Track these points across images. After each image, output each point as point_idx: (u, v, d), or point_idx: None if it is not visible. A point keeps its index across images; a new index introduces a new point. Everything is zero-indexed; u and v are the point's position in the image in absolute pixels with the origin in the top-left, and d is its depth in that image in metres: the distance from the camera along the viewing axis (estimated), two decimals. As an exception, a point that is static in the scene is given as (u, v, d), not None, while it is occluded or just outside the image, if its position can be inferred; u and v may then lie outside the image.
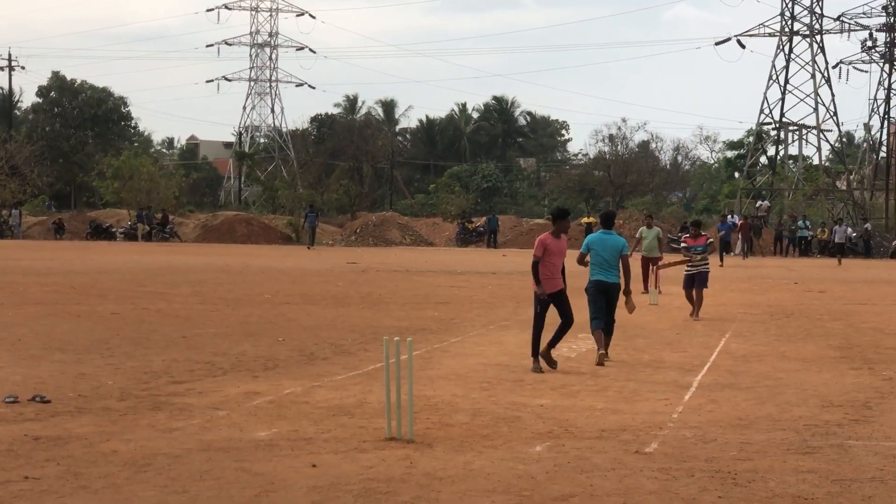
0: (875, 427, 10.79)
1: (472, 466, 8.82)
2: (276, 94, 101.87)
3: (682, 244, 22.77)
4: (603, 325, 15.33)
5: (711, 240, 22.94)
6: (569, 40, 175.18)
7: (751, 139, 77.07)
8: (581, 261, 15.83)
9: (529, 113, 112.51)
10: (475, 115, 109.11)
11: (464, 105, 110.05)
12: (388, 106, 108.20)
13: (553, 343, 14.57)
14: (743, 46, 71.92)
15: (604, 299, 15.35)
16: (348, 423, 10.47)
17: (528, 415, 11.14)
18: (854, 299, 27.58)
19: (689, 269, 22.32)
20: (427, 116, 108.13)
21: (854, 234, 59.38)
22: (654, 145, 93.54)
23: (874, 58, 75.49)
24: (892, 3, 73.80)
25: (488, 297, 25.73)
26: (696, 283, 22.09)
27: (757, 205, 67.66)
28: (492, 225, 62.74)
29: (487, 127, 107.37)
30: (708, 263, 22.43)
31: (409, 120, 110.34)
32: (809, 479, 8.55)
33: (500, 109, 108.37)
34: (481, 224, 64.78)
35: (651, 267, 27.14)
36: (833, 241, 54.61)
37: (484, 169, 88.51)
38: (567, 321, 14.46)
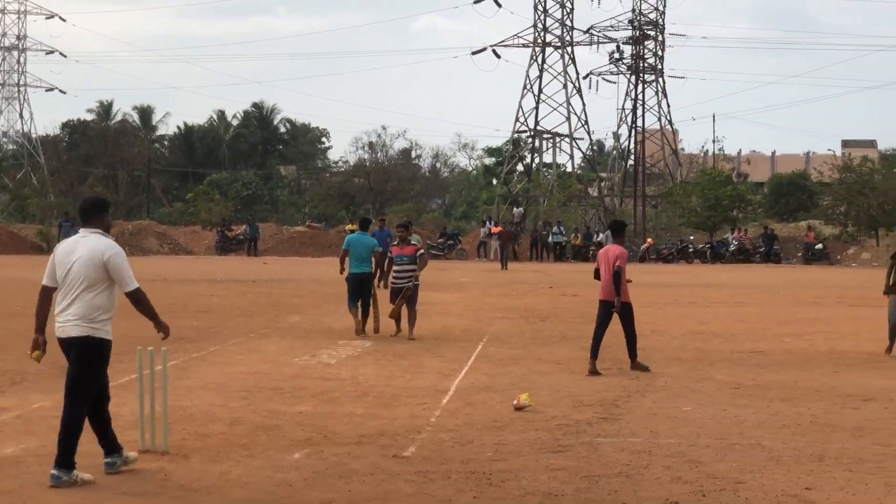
0: (622, 424, 11.23)
1: (229, 476, 8.74)
2: (24, 99, 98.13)
3: (389, 253, 19.90)
4: (357, 304, 19.32)
5: (422, 251, 19.60)
6: (326, 48, 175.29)
7: (508, 147, 78.84)
8: (343, 257, 19.69)
9: (289, 120, 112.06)
10: (235, 122, 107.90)
11: (222, 112, 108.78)
12: (145, 112, 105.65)
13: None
14: (498, 56, 73.50)
15: (359, 286, 19.30)
16: (101, 437, 10.19)
17: (287, 422, 11.11)
18: (605, 302, 28.49)
19: (395, 281, 19.41)
20: (185, 123, 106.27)
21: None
22: (413, 153, 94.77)
23: (621, 69, 78.50)
24: (638, 18, 76.88)
25: (248, 305, 25.49)
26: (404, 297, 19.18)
27: (514, 211, 69.29)
28: (252, 233, 62.14)
29: (247, 134, 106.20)
30: (417, 276, 19.26)
31: (167, 127, 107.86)
32: (560, 477, 8.83)
33: (259, 117, 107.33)
34: (241, 232, 64.07)
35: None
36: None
37: (244, 176, 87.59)
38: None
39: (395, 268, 19.53)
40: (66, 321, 8.55)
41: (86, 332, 8.52)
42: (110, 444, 8.81)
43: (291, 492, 8.28)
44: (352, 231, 56.37)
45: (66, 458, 8.37)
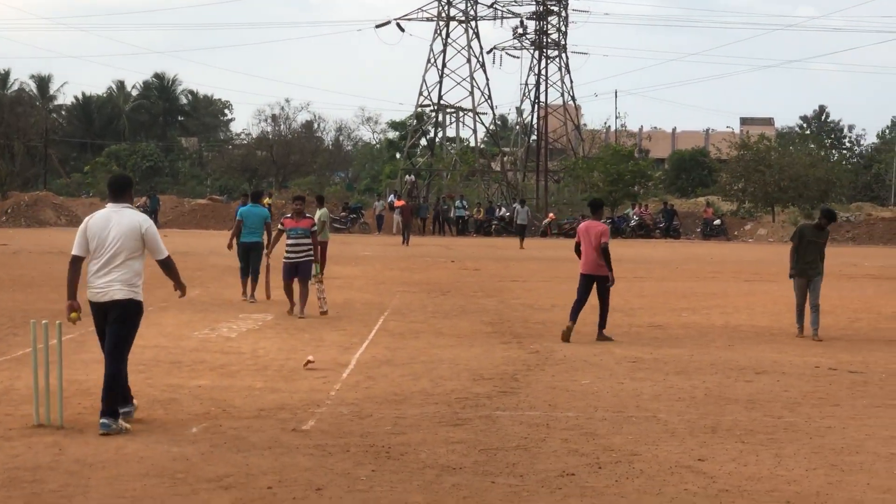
0: (521, 398, 11.32)
1: (125, 451, 8.64)
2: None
3: (280, 225, 19.12)
4: (248, 273, 20.78)
5: (315, 227, 19.07)
6: (227, 19, 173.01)
7: (412, 121, 78.73)
8: (238, 227, 20.80)
9: (191, 92, 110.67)
10: (135, 92, 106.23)
11: (122, 82, 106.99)
12: (42, 81, 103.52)
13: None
14: (402, 30, 73.18)
15: (247, 255, 20.76)
16: (-6, 412, 10.02)
17: (186, 396, 11.01)
18: (507, 276, 28.71)
19: (288, 256, 18.83)
20: (84, 93, 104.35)
21: (507, 214, 61.82)
22: (317, 126, 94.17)
23: (525, 45, 78.72)
24: (542, -7, 77.12)
25: (147, 277, 25.04)
26: (298, 273, 18.68)
27: (405, 178, 69.29)
28: (153, 205, 61.33)
29: (148, 105, 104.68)
30: (311, 252, 18.77)
31: (64, 97, 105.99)
32: (458, 450, 8.88)
33: (160, 87, 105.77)
34: (141, 204, 63.19)
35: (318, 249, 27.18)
36: (515, 223, 54.03)
37: (144, 148, 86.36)
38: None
39: (288, 241, 18.81)
40: (109, 286, 9.46)
41: (129, 294, 9.51)
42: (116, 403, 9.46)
43: (188, 465, 8.22)
44: (268, 204, 57.04)
45: (113, 408, 9.30)
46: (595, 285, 16.35)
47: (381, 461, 8.48)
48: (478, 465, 8.43)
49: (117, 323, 9.47)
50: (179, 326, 16.56)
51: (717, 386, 12.27)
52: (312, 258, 18.80)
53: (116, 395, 9.35)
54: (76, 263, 9.64)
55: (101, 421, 9.21)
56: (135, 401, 9.91)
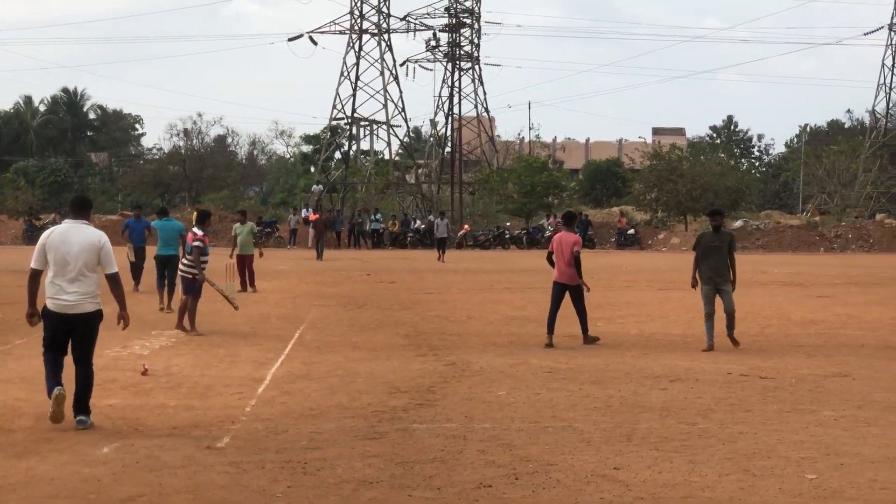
0: (437, 410, 11.31)
1: (35, 472, 8.48)
2: None
3: (196, 242, 18.42)
4: (164, 284, 21.53)
5: (198, 242, 18.26)
6: (135, 33, 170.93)
7: (325, 134, 78.49)
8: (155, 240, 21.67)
9: (101, 106, 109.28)
10: (43, 108, 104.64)
11: (29, 98, 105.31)
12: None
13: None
14: (315, 43, 72.98)
15: (164, 267, 21.50)
16: None
17: (97, 416, 10.79)
18: (422, 288, 28.72)
19: (184, 271, 18.51)
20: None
21: (422, 226, 61.90)
22: (230, 140, 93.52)
23: (438, 57, 78.97)
24: (454, 6, 77.46)
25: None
26: (184, 289, 18.39)
27: (313, 188, 69.04)
28: (62, 221, 60.56)
29: (56, 120, 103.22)
30: (195, 268, 18.26)
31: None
32: (375, 464, 8.84)
33: (69, 102, 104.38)
34: (51, 221, 62.27)
35: (244, 264, 27.11)
36: (435, 236, 52.82)
37: (53, 164, 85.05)
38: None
39: (187, 257, 18.54)
40: (76, 299, 10.15)
41: (96, 306, 10.31)
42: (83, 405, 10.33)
43: (99, 486, 8.08)
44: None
45: (87, 406, 10.26)
46: (568, 293, 17.05)
47: (298, 477, 8.42)
48: (395, 478, 8.40)
49: (89, 332, 10.32)
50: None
51: (631, 394, 12.37)
52: (193, 275, 18.28)
53: (89, 394, 10.29)
54: (36, 277, 10.32)
55: (79, 418, 10.12)
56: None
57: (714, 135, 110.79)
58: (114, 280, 10.40)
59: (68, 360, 10.43)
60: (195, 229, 18.61)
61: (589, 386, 12.96)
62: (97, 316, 10.36)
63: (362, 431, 10.14)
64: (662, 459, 9.06)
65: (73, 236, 10.24)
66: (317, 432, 10.09)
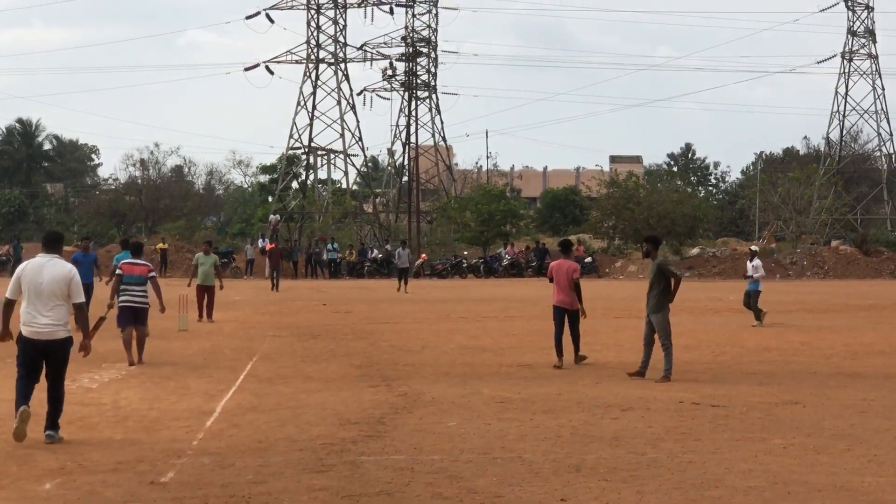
0: (387, 442, 11.22)
1: (-27, 511, 8.33)
2: None
3: (118, 271, 18.89)
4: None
5: (154, 273, 18.84)
6: (89, 63, 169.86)
7: (282, 164, 78.34)
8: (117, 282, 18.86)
9: (56, 136, 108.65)
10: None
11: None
12: None
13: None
14: (272, 73, 73.01)
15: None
16: None
17: (40, 451, 10.67)
18: (378, 318, 28.63)
19: (123, 301, 18.45)
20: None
21: (380, 256, 61.78)
22: (187, 170, 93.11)
23: (395, 86, 79.11)
24: (411, 35, 77.69)
25: (11, 328, 24.39)
26: (136, 319, 18.30)
27: (269, 218, 68.84)
28: (16, 253, 59.94)
29: (11, 151, 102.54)
30: (146, 296, 18.52)
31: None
32: (321, 497, 8.75)
33: (24, 133, 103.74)
34: (4, 252, 61.74)
35: (205, 295, 27.02)
36: (396, 266, 52.10)
37: (6, 195, 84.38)
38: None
39: (125, 286, 18.53)
40: (53, 328, 11.14)
41: (67, 333, 11.28)
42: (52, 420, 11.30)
43: (39, 524, 7.95)
44: (164, 249, 56.66)
45: (57, 423, 11.24)
46: (567, 317, 17.96)
47: (241, 512, 8.31)
48: (340, 512, 8.30)
49: (61, 357, 11.27)
50: (39, 378, 16.05)
51: (583, 424, 12.33)
52: (147, 305, 18.53)
53: (60, 411, 11.27)
54: (10, 305, 11.36)
55: (48, 433, 11.10)
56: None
57: (671, 162, 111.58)
58: (80, 309, 11.37)
59: (39, 387, 11.24)
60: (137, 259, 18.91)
61: (540, 416, 12.91)
62: (68, 342, 11.27)
63: (310, 464, 10.04)
64: (610, 490, 9.02)
65: (45, 269, 11.26)
66: (264, 465, 9.98)
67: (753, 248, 29.24)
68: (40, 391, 11.26)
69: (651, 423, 12.36)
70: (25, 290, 11.23)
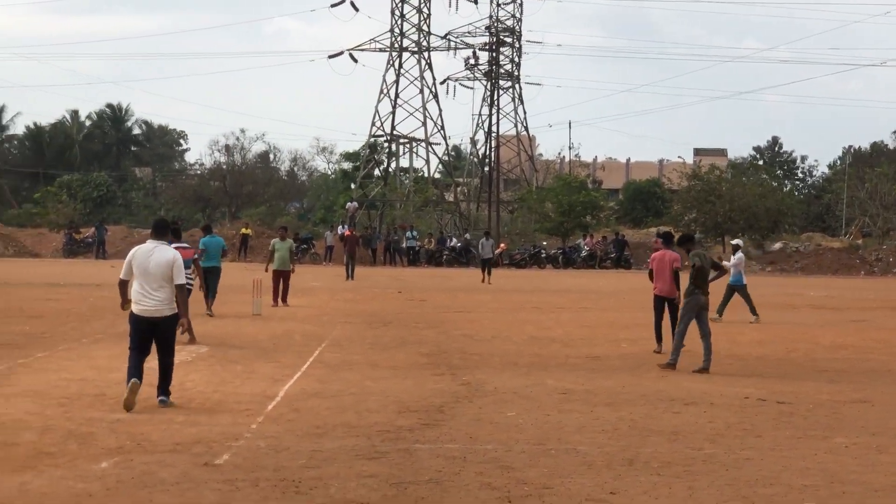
0: (443, 430, 11.22)
1: (29, 487, 8.48)
2: None
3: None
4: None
5: (197, 254, 19.90)
6: (178, 49, 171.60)
7: (365, 151, 78.65)
8: (200, 255, 22.06)
9: (145, 122, 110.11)
10: (88, 122, 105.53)
11: (76, 112, 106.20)
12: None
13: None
14: (355, 60, 73.18)
15: (207, 278, 22.44)
16: None
17: (103, 430, 10.84)
18: (452, 307, 28.64)
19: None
20: (35, 123, 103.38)
21: (458, 244, 61.81)
22: (272, 156, 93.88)
23: (478, 75, 78.94)
24: (495, 25, 77.51)
25: (87, 309, 24.86)
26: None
27: (347, 205, 69.06)
28: (99, 235, 60.90)
29: (101, 135, 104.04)
30: (193, 278, 19.35)
31: (15, 126, 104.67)
32: (369, 484, 8.77)
33: (114, 117, 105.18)
34: (90, 235, 62.77)
35: (281, 280, 27.26)
36: (480, 256, 48.20)
37: (96, 178, 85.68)
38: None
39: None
40: (159, 305, 12.32)
41: (172, 310, 12.45)
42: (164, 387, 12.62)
43: (90, 502, 8.07)
44: (246, 234, 57.45)
45: (168, 389, 12.57)
46: (666, 305, 18.38)
47: (289, 496, 8.37)
48: (386, 499, 8.33)
49: (167, 332, 12.48)
50: (111, 359, 16.32)
51: (643, 417, 12.23)
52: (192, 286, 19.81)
53: (170, 380, 12.57)
54: (124, 284, 12.70)
55: (160, 398, 12.39)
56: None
57: (757, 155, 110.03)
58: (180, 290, 12.45)
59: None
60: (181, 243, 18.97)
61: (601, 408, 12.83)
62: (173, 318, 12.48)
63: (363, 451, 10.07)
64: (662, 484, 8.94)
65: (152, 254, 12.44)
66: (318, 451, 10.04)
67: (735, 242, 28.77)
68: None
69: (712, 419, 12.22)
70: (136, 272, 12.41)
